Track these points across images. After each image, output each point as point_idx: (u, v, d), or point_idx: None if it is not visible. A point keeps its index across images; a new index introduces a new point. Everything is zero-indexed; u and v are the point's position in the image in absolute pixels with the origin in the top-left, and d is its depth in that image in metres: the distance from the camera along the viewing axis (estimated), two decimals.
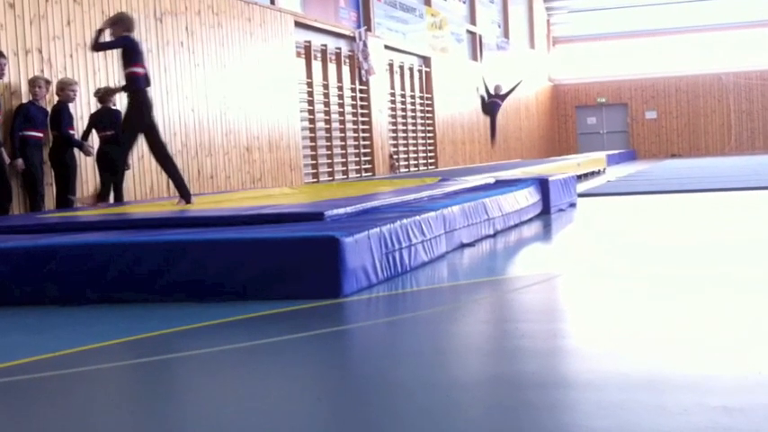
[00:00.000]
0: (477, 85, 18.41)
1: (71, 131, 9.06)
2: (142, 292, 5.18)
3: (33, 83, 8.78)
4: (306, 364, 3.68)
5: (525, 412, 2.82)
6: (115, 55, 10.15)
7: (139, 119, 8.03)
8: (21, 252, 5.37)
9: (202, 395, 3.23)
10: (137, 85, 7.96)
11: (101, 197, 8.68)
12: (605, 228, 8.88)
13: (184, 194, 8.17)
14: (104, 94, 9.56)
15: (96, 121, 9.54)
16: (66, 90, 9.05)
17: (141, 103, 8.01)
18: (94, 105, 9.77)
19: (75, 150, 9.20)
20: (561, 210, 10.40)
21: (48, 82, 8.94)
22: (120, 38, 7.92)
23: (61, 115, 8.97)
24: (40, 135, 8.80)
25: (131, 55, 7.95)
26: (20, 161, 8.57)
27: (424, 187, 9.11)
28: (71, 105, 9.14)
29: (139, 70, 7.97)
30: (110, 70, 10.07)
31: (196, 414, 2.99)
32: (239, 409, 2.96)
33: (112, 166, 9.05)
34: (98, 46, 8.02)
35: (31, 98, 8.76)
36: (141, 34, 10.64)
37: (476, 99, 23.55)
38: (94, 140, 9.65)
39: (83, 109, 9.57)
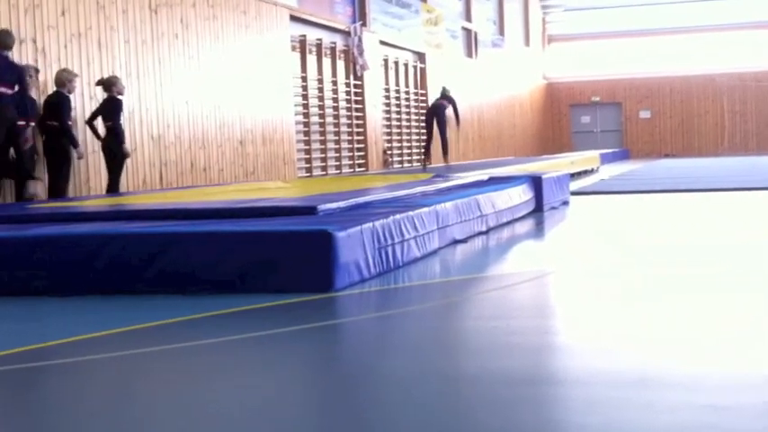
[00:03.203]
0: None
1: (70, 124, 9.11)
2: (132, 284, 5.16)
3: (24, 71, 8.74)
4: (296, 358, 3.68)
5: (514, 408, 2.82)
6: (113, 46, 10.14)
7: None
8: (9, 242, 5.35)
9: (190, 387, 3.22)
10: None
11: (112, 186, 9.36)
12: (598, 226, 8.90)
13: None
14: (107, 84, 9.63)
15: (103, 111, 9.61)
16: (72, 81, 9.08)
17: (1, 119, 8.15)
18: (88, 96, 9.76)
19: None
20: (554, 208, 10.41)
21: (38, 71, 8.91)
22: None
23: (62, 107, 8.96)
24: (31, 124, 8.77)
25: None
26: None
27: (418, 183, 9.11)
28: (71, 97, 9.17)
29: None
30: (104, 61, 10.04)
31: (183, 407, 2.99)
32: (227, 402, 2.96)
33: (114, 158, 9.56)
34: None
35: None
36: (136, 25, 10.62)
37: (470, 95, 23.55)
38: (79, 130, 9.63)
39: (76, 100, 9.54)
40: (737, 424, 2.55)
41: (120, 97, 9.66)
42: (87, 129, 9.68)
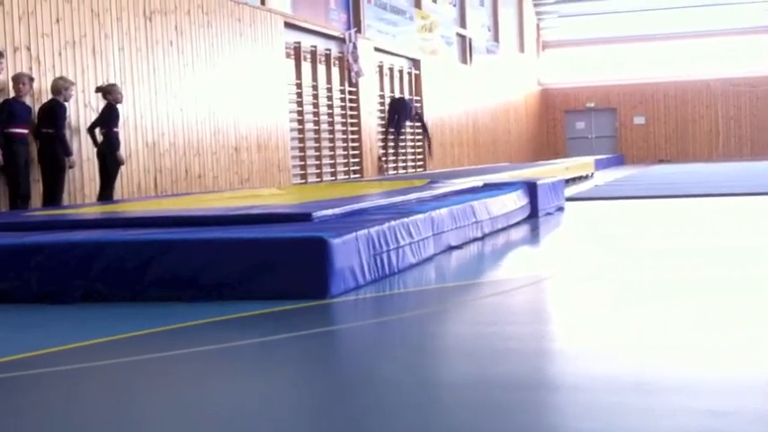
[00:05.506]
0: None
1: (64, 132, 9.12)
2: (127, 291, 5.14)
3: (17, 79, 8.74)
4: (292, 364, 3.66)
5: (512, 413, 2.81)
6: (107, 54, 10.13)
7: None
8: (5, 249, 5.33)
9: (186, 395, 3.21)
10: None
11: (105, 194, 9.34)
12: (593, 231, 8.90)
13: None
14: (104, 92, 9.67)
15: (100, 118, 9.65)
16: (69, 89, 9.09)
17: None
18: (83, 104, 9.75)
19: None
20: (549, 213, 10.41)
21: (32, 79, 8.91)
22: None
23: (57, 114, 8.96)
24: (25, 132, 8.77)
25: None
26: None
27: (413, 189, 9.10)
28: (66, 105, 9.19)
29: None
30: (98, 68, 10.03)
31: (181, 412, 2.97)
32: (223, 407, 2.94)
33: (108, 165, 9.66)
34: None
35: (14, 95, 8.72)
36: (131, 33, 10.62)
37: (465, 101, 23.58)
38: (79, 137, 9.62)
39: (71, 107, 9.54)
40: (737, 428, 2.54)
41: (117, 106, 9.68)
42: (83, 137, 9.69)
